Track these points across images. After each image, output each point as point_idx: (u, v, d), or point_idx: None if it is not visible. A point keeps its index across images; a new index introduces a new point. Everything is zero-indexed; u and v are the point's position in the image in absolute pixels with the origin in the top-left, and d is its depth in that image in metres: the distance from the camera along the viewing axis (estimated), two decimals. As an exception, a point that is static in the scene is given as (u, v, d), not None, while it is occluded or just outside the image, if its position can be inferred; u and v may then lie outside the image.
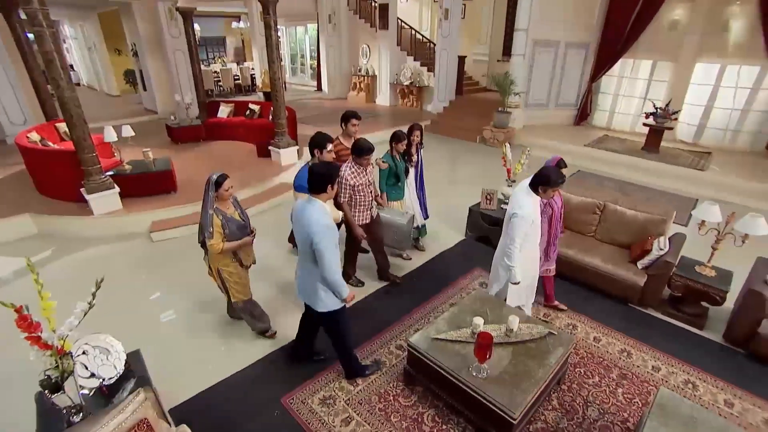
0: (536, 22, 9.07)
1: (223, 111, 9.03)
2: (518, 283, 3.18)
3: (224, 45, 20.91)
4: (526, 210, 3.02)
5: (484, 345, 2.49)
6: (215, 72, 15.47)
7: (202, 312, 3.92)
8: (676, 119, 8.23)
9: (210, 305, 3.98)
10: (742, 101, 8.12)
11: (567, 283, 4.21)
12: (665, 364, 3.31)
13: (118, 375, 2.37)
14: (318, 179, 2.57)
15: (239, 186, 6.23)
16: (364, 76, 13.73)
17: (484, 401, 2.52)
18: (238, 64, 17.69)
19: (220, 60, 18.94)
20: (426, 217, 4.95)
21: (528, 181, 3.16)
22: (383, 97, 13.39)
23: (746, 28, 7.89)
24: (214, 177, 3.04)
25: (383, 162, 4.21)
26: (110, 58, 15.70)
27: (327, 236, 2.53)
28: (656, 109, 7.88)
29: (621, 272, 3.91)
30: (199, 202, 5.48)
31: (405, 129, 4.44)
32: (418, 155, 4.61)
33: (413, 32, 12.58)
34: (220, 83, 15.36)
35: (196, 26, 11.28)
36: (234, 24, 17.75)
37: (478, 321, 2.87)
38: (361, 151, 3.64)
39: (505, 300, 3.36)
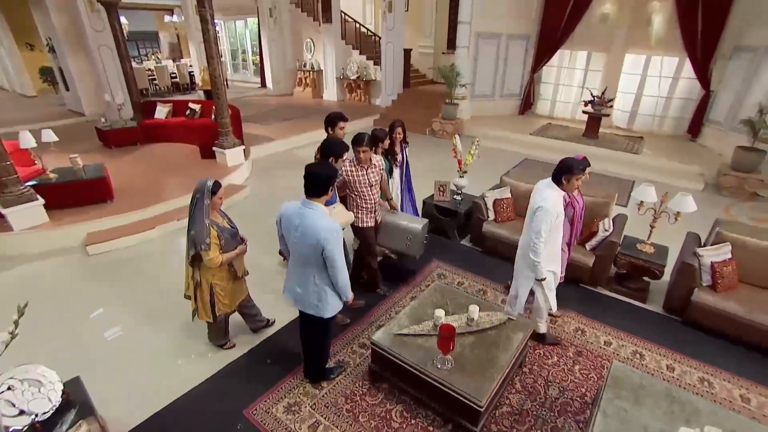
0: (479, 15, 9.28)
1: (161, 111, 8.47)
2: (544, 279, 3.10)
3: (157, 40, 19.64)
4: (550, 202, 2.90)
5: (447, 337, 2.49)
6: (149, 70, 14.48)
7: (152, 326, 3.65)
8: (611, 106, 8.78)
9: (160, 319, 3.72)
10: (665, 89, 8.82)
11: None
12: (615, 338, 3.51)
13: (54, 408, 2.14)
14: (321, 181, 2.45)
15: (183, 191, 5.89)
16: (309, 71, 13.43)
17: (451, 392, 2.54)
18: (174, 61, 16.69)
19: (154, 57, 17.79)
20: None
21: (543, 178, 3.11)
22: (330, 92, 13.17)
23: (666, 23, 8.54)
24: (209, 183, 2.80)
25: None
26: (21, 54, 14.20)
27: (338, 241, 2.45)
28: (593, 97, 8.36)
29: (571, 254, 4.08)
30: (140, 209, 5.26)
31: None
32: (402, 154, 4.38)
33: (357, 25, 12.45)
34: (156, 82, 14.41)
35: (123, 20, 10.48)
36: (167, 18, 16.67)
37: (440, 313, 2.88)
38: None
39: (526, 312, 3.30)
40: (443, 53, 12.99)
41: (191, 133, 7.98)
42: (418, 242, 4.04)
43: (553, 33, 9.54)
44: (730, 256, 3.58)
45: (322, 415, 2.79)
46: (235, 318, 3.50)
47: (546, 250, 3.02)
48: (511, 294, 3.40)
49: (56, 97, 13.03)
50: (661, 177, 6.92)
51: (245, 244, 3.17)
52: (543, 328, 3.39)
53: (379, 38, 11.73)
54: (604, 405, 2.43)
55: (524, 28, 9.94)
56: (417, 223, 4.02)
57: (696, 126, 8.59)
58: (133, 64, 9.39)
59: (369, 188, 3.60)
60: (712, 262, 3.55)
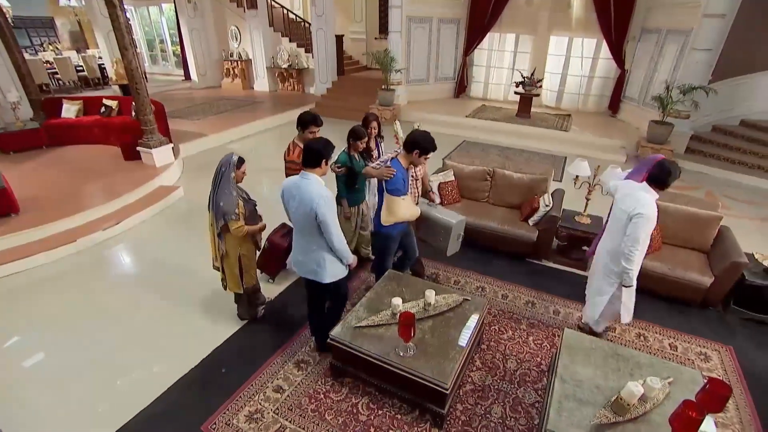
0: (409, -1, 9.25)
1: (69, 110, 7.53)
2: (632, 286, 2.96)
3: (54, 28, 17.27)
4: (651, 209, 2.73)
5: (407, 324, 2.47)
6: (48, 62, 12.81)
7: (82, 348, 3.27)
8: (541, 87, 9.23)
9: (91, 338, 3.35)
10: (587, 69, 9.43)
11: (469, 249, 4.44)
12: (563, 307, 3.72)
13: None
14: (314, 154, 2.64)
15: (108, 196, 5.34)
16: (237, 61, 12.68)
17: (416, 378, 2.53)
18: (78, 52, 14.89)
19: (52, 47, 15.77)
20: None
21: (625, 179, 3.02)
22: (261, 83, 12.56)
23: (583, 6, 9.08)
24: (234, 158, 2.98)
25: (339, 167, 3.66)
26: None
27: (329, 206, 2.60)
28: (524, 78, 8.72)
29: (516, 231, 4.25)
30: (55, 221, 4.66)
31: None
32: (378, 150, 4.08)
33: (285, 11, 11.94)
34: (58, 76, 12.81)
35: (4, 1, 9.11)
36: (62, 1, 14.70)
37: (397, 301, 2.86)
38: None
39: (598, 326, 3.22)
40: (375, 38, 12.85)
41: (109, 133, 7.19)
42: (451, 238, 3.70)
43: (481, 16, 9.77)
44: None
45: (286, 419, 2.66)
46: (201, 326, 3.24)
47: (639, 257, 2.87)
48: (590, 302, 3.22)
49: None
50: (588, 151, 7.41)
51: (262, 220, 3.31)
52: (601, 328, 3.30)
53: (309, 24, 11.34)
54: (560, 371, 2.55)
55: (454, 12, 10.09)
56: (453, 218, 3.69)
57: (615, 103, 9.31)
58: (26, 56, 8.20)
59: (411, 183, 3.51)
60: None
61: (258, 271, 3.51)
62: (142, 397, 2.82)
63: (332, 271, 2.81)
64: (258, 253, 3.42)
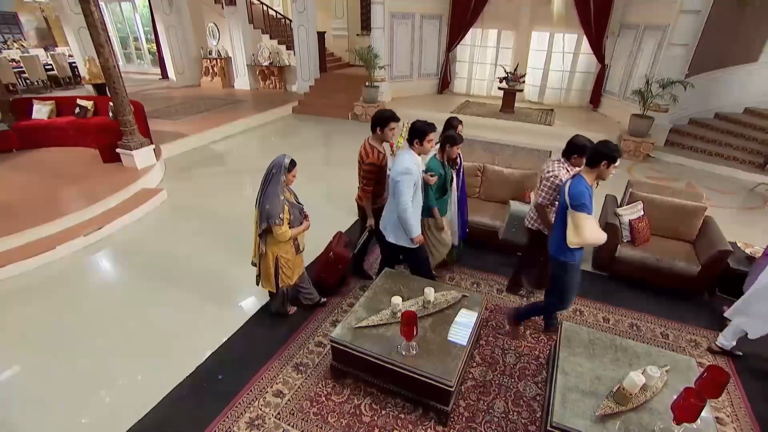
0: (391, -6, 9.21)
1: (41, 111, 7.21)
2: None
3: (19, 24, 16.48)
4: None
5: (409, 323, 2.45)
6: (14, 60, 12.25)
7: (67, 359, 3.13)
8: (524, 82, 9.32)
9: (76, 349, 3.21)
10: (568, 64, 9.57)
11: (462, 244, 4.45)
12: (556, 299, 3.75)
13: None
14: (411, 132, 3.01)
15: (89, 200, 5.15)
16: (216, 59, 12.40)
17: (419, 377, 2.52)
18: (47, 49, 14.29)
19: (17, 45, 15.08)
20: (463, 235, 4.02)
21: None
22: (242, 81, 12.32)
23: (564, 1, 9.19)
24: (286, 161, 2.97)
25: (432, 176, 3.34)
26: None
27: (404, 178, 2.92)
28: (507, 73, 8.78)
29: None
30: (31, 228, 4.46)
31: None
32: (459, 157, 3.74)
33: (265, 8, 11.73)
34: (25, 75, 12.25)
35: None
36: (27, -6, 14.01)
37: (397, 300, 2.84)
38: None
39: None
40: (358, 35, 12.78)
41: (85, 135, 6.92)
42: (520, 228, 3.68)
43: (463, 12, 9.80)
44: (642, 213, 4.00)
45: (289, 424, 2.61)
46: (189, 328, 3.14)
47: None
48: (740, 320, 3.12)
49: None
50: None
51: (308, 220, 3.29)
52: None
53: (290, 21, 11.17)
54: (561, 363, 2.58)
55: (436, 8, 10.09)
56: (525, 208, 3.73)
57: (596, 97, 9.49)
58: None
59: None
60: (630, 219, 3.92)
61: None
62: (136, 409, 2.72)
63: (395, 234, 3.21)
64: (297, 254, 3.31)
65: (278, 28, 11.86)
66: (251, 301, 3.77)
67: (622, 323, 3.55)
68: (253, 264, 3.27)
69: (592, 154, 2.65)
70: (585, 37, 9.06)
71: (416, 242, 3.17)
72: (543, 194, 3.14)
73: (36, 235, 4.54)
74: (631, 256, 3.90)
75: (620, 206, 4.18)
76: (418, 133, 3.00)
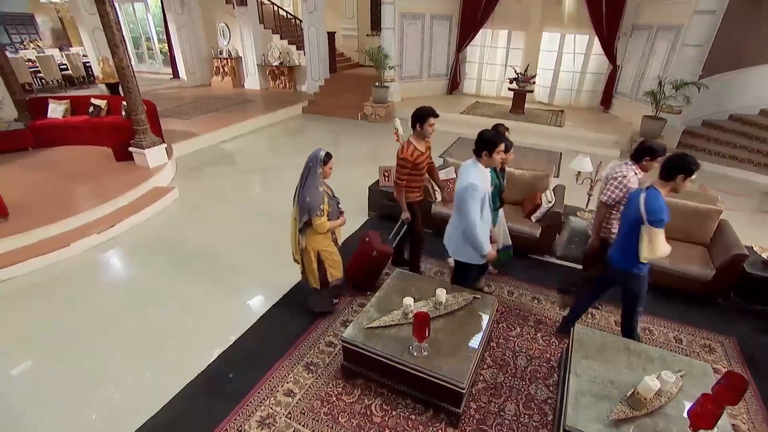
0: (402, -5, 9.21)
1: (56, 110, 7.32)
2: None
3: (35, 25, 16.78)
4: None
5: (422, 324, 2.45)
6: (30, 60, 12.44)
7: (85, 358, 3.17)
8: (534, 83, 9.26)
9: (88, 346, 3.25)
10: (579, 65, 9.50)
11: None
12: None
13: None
14: (480, 143, 2.76)
15: (101, 199, 5.21)
16: (227, 59, 12.48)
17: (431, 378, 2.51)
18: (61, 50, 14.52)
19: (33, 45, 15.33)
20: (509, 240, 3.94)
21: None
22: (252, 81, 12.40)
23: (575, 2, 9.12)
24: (321, 153, 3.00)
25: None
26: None
27: (469, 194, 2.72)
28: (518, 74, 8.74)
29: (519, 227, 4.25)
30: (47, 225, 4.53)
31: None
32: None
33: (276, 8, 11.79)
34: (41, 75, 12.44)
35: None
36: (43, -4, 14.27)
37: (409, 301, 2.84)
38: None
39: None
40: (367, 35, 12.80)
41: (99, 134, 7.01)
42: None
43: (474, 12, 9.77)
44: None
45: (300, 423, 2.62)
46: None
47: None
48: None
49: None
50: (583, 147, 7.47)
51: (344, 216, 3.31)
52: None
53: (300, 21, 11.22)
54: (574, 366, 2.56)
55: (447, 8, 10.08)
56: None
57: (607, 98, 9.41)
58: (7, 54, 7.91)
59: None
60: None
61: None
62: (147, 407, 2.75)
63: (457, 249, 3.04)
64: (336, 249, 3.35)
65: (288, 28, 11.91)
66: (261, 301, 3.80)
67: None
68: (296, 261, 3.31)
69: (668, 167, 2.56)
70: (596, 38, 8.98)
71: (488, 259, 2.98)
72: (609, 193, 3.06)
73: (51, 233, 4.61)
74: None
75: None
76: (487, 144, 2.75)
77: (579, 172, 4.01)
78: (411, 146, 3.39)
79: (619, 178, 3.01)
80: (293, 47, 11.66)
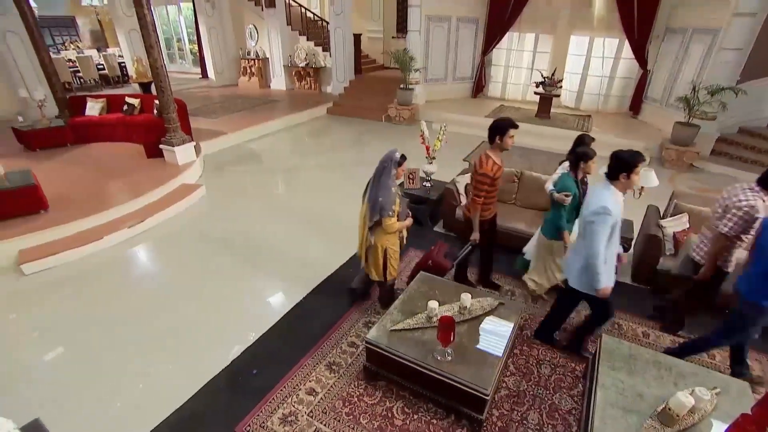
0: (428, -3, 9.20)
1: (93, 108, 7.62)
2: None
3: (75, 27, 17.56)
4: None
5: (447, 329, 2.44)
6: (70, 61, 13.00)
7: (114, 348, 3.29)
8: (561, 87, 9.10)
9: (125, 337, 3.36)
10: (608, 69, 9.29)
11: (498, 251, 4.38)
12: (594, 311, 3.64)
13: (16, 459, 1.85)
14: (620, 164, 2.51)
15: (132, 194, 5.38)
16: (254, 60, 12.74)
17: (455, 383, 2.50)
18: (99, 50, 15.11)
19: (73, 46, 16.00)
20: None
21: None
22: (278, 81, 12.61)
23: (605, 5, 8.94)
24: (397, 155, 3.03)
25: (566, 195, 3.16)
26: None
27: (600, 219, 2.50)
28: (544, 78, 8.61)
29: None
30: (83, 218, 4.72)
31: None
32: (584, 176, 3.46)
33: (303, 10, 11.96)
34: (80, 74, 12.98)
35: (32, 2, 9.21)
36: (84, 0, 14.91)
37: (433, 305, 2.83)
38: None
39: None
40: (393, 38, 12.85)
41: (132, 131, 7.27)
42: None
43: (501, 15, 9.68)
44: (688, 225, 3.83)
45: (321, 422, 2.65)
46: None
47: None
48: None
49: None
50: (610, 153, 7.28)
51: (411, 217, 3.36)
52: None
53: (327, 23, 11.35)
54: (601, 378, 2.51)
55: (473, 11, 10.01)
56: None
57: (637, 104, 9.16)
58: (51, 55, 8.28)
59: None
60: (674, 232, 3.76)
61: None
62: (174, 398, 2.82)
63: (579, 279, 2.79)
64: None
65: (315, 30, 12.07)
66: (285, 298, 3.85)
67: (663, 339, 3.41)
68: (359, 256, 3.38)
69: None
70: (627, 42, 8.76)
71: (601, 294, 2.70)
72: (731, 224, 2.77)
73: (86, 226, 4.80)
74: (675, 271, 3.73)
75: (663, 218, 4.02)
76: (626, 165, 2.50)
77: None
78: (490, 160, 3.19)
79: (745, 208, 2.71)
80: (319, 49, 11.81)
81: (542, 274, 3.65)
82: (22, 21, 6.98)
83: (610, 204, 2.48)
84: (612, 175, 2.57)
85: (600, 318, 2.99)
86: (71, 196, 5.31)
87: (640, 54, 8.68)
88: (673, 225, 3.82)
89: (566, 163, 3.49)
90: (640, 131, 8.37)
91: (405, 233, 3.39)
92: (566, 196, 3.15)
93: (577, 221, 3.23)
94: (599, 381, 2.48)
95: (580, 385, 2.96)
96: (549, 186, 3.46)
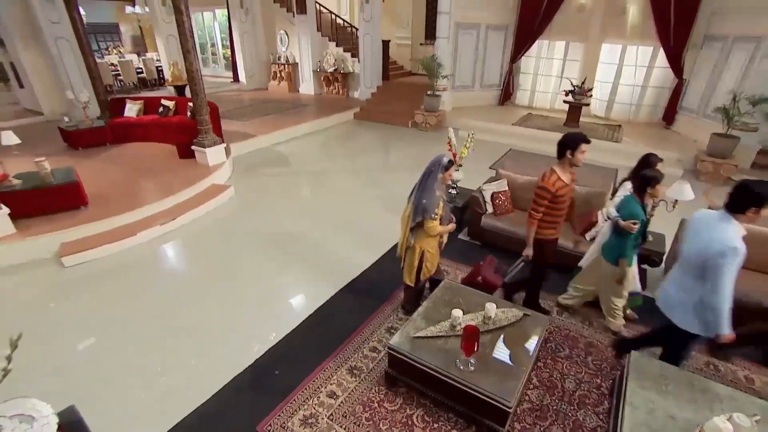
0: (458, 5, 9.21)
1: (131, 109, 7.97)
2: None
3: (118, 33, 18.51)
4: None
5: (471, 338, 2.42)
6: (112, 65, 13.64)
7: (148, 342, 3.41)
8: (591, 96, 8.92)
9: (154, 332, 3.48)
10: (641, 78, 9.03)
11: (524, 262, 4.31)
12: (624, 328, 3.53)
13: (51, 443, 1.92)
14: (748, 196, 2.24)
15: (164, 193, 5.57)
16: (284, 65, 13.04)
17: (477, 394, 2.47)
18: (139, 55, 15.81)
19: (116, 51, 16.79)
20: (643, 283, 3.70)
21: None
22: (307, 86, 12.85)
23: (640, 12, 8.71)
24: (445, 160, 3.05)
25: (634, 223, 2.95)
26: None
27: (730, 260, 2.23)
28: (574, 87, 8.45)
29: (571, 245, 4.09)
30: (119, 215, 4.92)
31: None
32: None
33: (333, 17, 12.16)
34: (120, 77, 13.61)
35: (81, 10, 9.77)
36: (128, 8, 15.71)
37: (458, 313, 2.81)
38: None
39: None
40: (421, 44, 12.90)
41: (166, 132, 7.55)
42: None
43: (531, 23, 9.59)
44: (726, 241, 3.65)
45: (341, 426, 2.67)
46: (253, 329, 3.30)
47: None
48: None
49: (7, 95, 12.08)
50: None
51: (454, 223, 3.35)
52: None
53: (356, 30, 11.50)
54: (629, 396, 2.43)
55: (503, 18, 9.95)
56: None
57: (670, 114, 8.87)
58: (96, 59, 8.75)
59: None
60: (711, 247, 3.60)
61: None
62: (197, 395, 2.89)
63: (685, 319, 2.56)
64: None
65: (344, 36, 12.25)
66: (309, 301, 3.90)
67: (697, 360, 3.26)
68: (398, 256, 3.41)
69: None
70: (662, 50, 8.51)
71: (725, 340, 2.43)
72: None
73: (121, 222, 5.00)
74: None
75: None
76: (759, 198, 2.23)
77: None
78: (554, 175, 3.03)
79: None
80: (348, 54, 11.97)
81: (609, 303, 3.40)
82: (72, 28, 7.41)
83: (738, 243, 2.24)
84: (737, 208, 2.30)
85: (677, 358, 2.78)
86: (108, 194, 5.55)
87: (676, 62, 8.42)
88: (710, 241, 3.66)
89: (627, 184, 3.32)
90: (674, 142, 8.10)
91: (445, 238, 3.38)
92: (634, 224, 2.93)
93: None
94: (627, 399, 2.40)
95: (606, 402, 2.88)
96: (612, 211, 3.19)
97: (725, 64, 7.63)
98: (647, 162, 3.34)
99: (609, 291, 3.33)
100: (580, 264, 3.73)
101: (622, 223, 3.00)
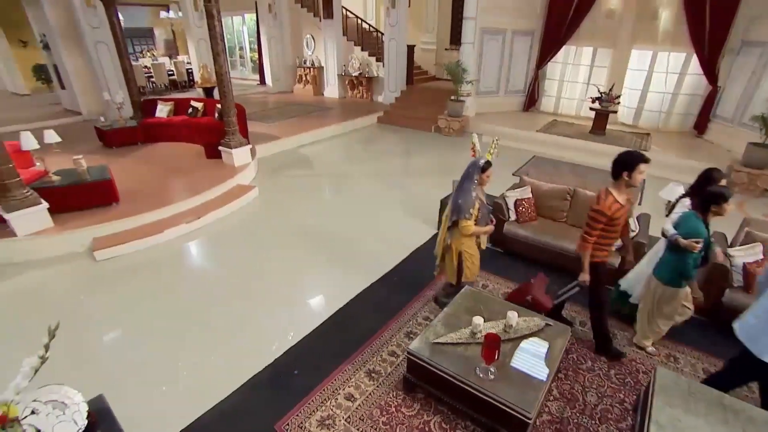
0: (484, 10, 9.16)
1: (162, 110, 8.25)
2: None
3: (152, 37, 19.26)
4: None
5: (492, 347, 2.40)
6: (146, 67, 14.16)
7: (172, 337, 3.51)
8: (618, 103, 8.71)
9: (179, 329, 3.58)
10: (672, 85, 8.78)
11: (546, 271, 4.24)
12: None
13: (81, 431, 2.00)
14: None
15: (190, 192, 5.73)
16: (309, 68, 13.23)
17: (496, 403, 2.44)
18: (170, 58, 16.36)
19: (149, 54, 17.43)
20: None
21: None
22: (332, 89, 13.00)
23: (672, 17, 8.48)
24: (482, 162, 3.15)
25: (696, 242, 2.77)
26: (13, 52, 13.86)
27: None
28: (601, 93, 8.29)
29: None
30: (147, 212, 5.09)
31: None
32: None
33: (359, 21, 12.28)
34: (153, 79, 14.10)
35: (120, 16, 10.21)
36: (162, 14, 16.32)
37: (478, 320, 2.79)
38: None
39: None
40: (446, 49, 12.88)
41: (195, 132, 7.78)
42: None
43: (558, 29, 9.45)
44: (762, 256, 3.52)
45: (358, 429, 2.68)
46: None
47: None
48: None
49: (50, 96, 12.70)
50: (670, 174, 6.85)
51: (493, 224, 3.40)
52: None
53: (382, 34, 11.58)
54: (655, 414, 2.35)
55: (529, 24, 9.85)
56: None
57: (703, 122, 8.57)
58: (131, 62, 9.13)
59: None
60: (744, 263, 3.48)
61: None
62: (216, 392, 2.95)
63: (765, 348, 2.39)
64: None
65: (370, 41, 12.35)
66: (329, 302, 3.93)
67: (728, 379, 3.14)
68: (436, 255, 3.50)
69: None
70: (695, 56, 8.24)
71: None
72: None
73: (149, 219, 5.17)
74: (742, 303, 3.43)
75: (731, 246, 3.73)
76: None
77: (669, 201, 3.67)
78: (610, 197, 2.86)
79: None
80: (373, 59, 12.06)
81: (645, 323, 3.28)
82: (111, 33, 7.75)
83: None
84: None
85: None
86: (138, 191, 5.75)
87: (710, 69, 8.14)
88: (744, 255, 3.53)
89: (686, 200, 3.20)
90: (706, 151, 7.83)
91: (483, 239, 3.43)
92: (696, 242, 2.74)
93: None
94: (653, 417, 2.33)
95: (629, 418, 2.80)
96: (669, 228, 3.01)
97: (764, 70, 7.34)
98: (710, 177, 3.15)
99: (656, 313, 3.18)
100: (620, 282, 3.64)
101: (683, 242, 2.79)
